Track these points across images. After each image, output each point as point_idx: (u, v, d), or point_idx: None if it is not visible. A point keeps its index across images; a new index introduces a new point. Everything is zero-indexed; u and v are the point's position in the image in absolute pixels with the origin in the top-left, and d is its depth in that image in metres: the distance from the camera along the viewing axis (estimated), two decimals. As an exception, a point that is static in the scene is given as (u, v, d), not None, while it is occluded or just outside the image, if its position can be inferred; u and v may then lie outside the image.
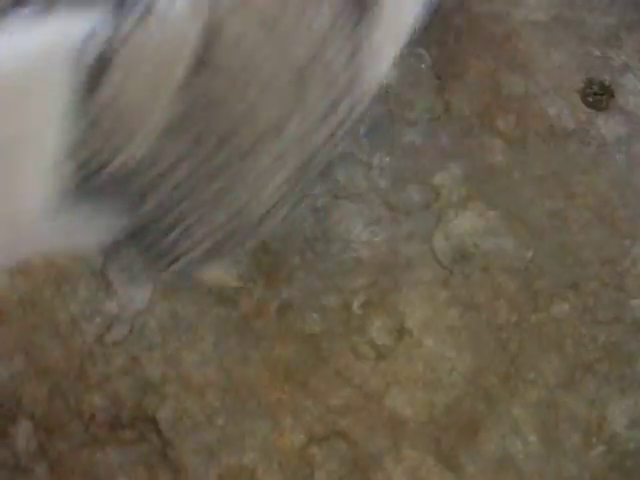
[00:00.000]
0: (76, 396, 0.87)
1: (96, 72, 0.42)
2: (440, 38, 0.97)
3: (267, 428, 0.84)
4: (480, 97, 0.94)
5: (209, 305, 0.88)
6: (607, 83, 0.95)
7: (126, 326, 0.88)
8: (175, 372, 0.87)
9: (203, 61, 0.44)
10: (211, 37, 0.44)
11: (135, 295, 0.90)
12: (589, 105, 0.94)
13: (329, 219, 0.90)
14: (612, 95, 0.94)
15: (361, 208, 0.90)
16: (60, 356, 0.88)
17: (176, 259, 0.56)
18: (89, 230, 0.51)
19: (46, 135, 0.44)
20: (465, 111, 0.94)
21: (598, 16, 0.99)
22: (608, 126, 0.93)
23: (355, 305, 0.87)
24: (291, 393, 0.85)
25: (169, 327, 0.88)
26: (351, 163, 0.92)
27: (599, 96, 0.94)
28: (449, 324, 0.86)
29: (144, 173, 0.47)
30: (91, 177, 0.46)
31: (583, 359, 0.85)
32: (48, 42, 0.42)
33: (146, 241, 0.54)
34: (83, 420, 0.87)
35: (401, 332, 0.86)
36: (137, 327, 0.88)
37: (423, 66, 0.96)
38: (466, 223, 0.89)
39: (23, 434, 0.86)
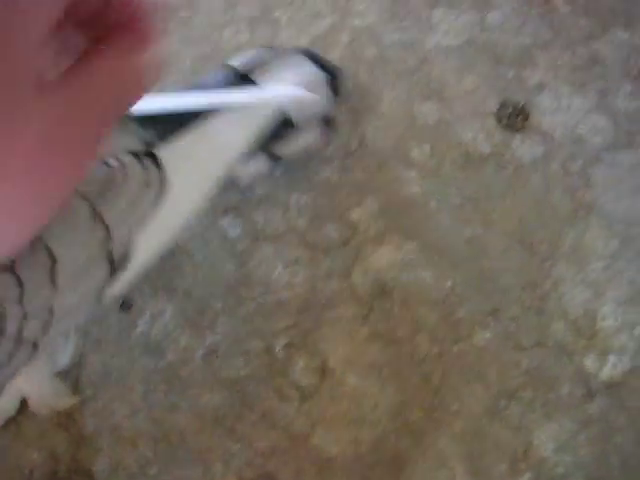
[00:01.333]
0: (16, 453, 0.89)
1: None
2: (353, 71, 0.97)
3: (198, 475, 0.85)
4: (394, 128, 0.94)
5: (137, 355, 0.90)
6: (522, 103, 0.94)
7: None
8: (107, 424, 0.88)
9: None
10: None
11: (67, 352, 0.91)
12: (504, 127, 0.93)
13: (249, 262, 0.90)
14: (527, 116, 0.93)
15: (280, 249, 0.90)
16: (-3, 415, 0.90)
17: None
18: None
19: None
20: (379, 144, 0.93)
21: (511, 37, 0.98)
22: (524, 147, 0.92)
23: (277, 348, 0.87)
24: (220, 438, 0.86)
25: (100, 380, 0.89)
26: (269, 205, 0.93)
27: (514, 117, 0.93)
28: (371, 360, 0.86)
29: None
30: None
31: (506, 386, 0.84)
32: None
33: None
34: (23, 476, 0.88)
35: (324, 371, 0.86)
36: (70, 382, 0.90)
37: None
38: (383, 257, 0.89)
39: (-36, 494, 0.88)
